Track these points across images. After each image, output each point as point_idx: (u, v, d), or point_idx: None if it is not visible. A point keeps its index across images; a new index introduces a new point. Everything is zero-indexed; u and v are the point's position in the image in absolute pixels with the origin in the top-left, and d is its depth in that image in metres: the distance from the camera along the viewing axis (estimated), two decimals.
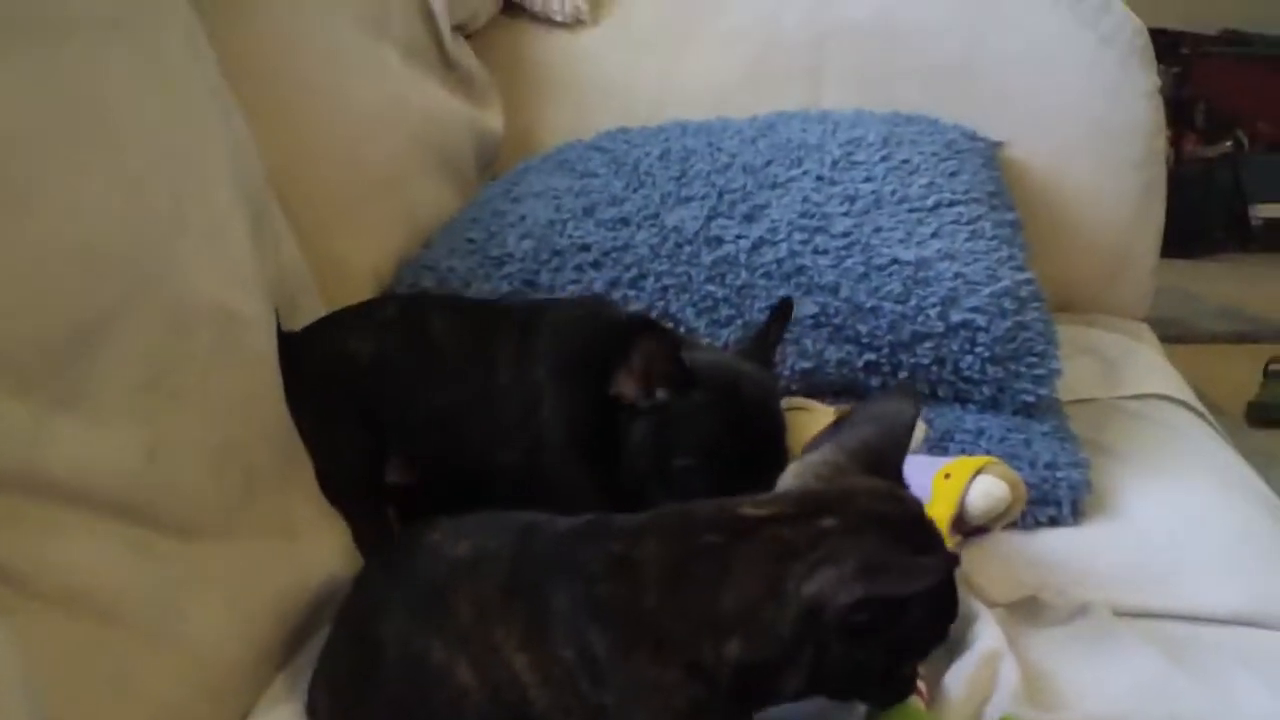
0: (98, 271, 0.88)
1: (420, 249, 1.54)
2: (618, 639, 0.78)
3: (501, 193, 1.57)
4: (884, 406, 0.89)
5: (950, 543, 1.05)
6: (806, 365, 1.33)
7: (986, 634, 0.96)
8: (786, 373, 1.33)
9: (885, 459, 0.85)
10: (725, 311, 1.34)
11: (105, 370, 0.87)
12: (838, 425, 0.89)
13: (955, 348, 1.29)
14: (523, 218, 1.47)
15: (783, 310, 1.18)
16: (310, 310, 1.30)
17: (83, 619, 0.82)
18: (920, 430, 1.16)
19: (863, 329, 1.31)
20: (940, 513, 1.04)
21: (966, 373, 1.29)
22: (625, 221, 1.42)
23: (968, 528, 1.07)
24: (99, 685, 0.81)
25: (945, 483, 1.05)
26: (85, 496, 0.84)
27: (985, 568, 1.11)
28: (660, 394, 1.05)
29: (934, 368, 1.30)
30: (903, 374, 1.31)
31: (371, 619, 0.89)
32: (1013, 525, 1.18)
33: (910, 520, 0.80)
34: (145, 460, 0.89)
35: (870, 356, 1.31)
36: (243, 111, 1.20)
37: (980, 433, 1.26)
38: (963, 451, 1.20)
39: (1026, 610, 1.06)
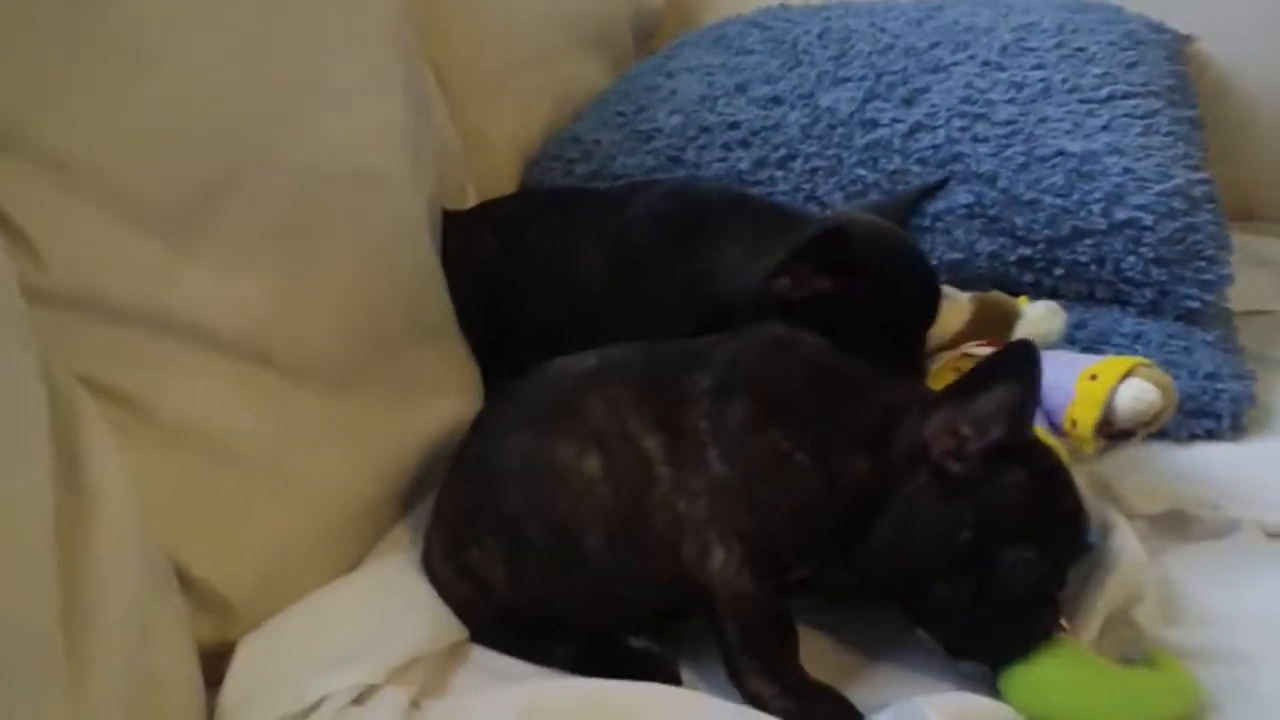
0: (221, 130, 0.88)
1: (569, 122, 1.52)
2: (758, 410, 0.82)
3: (655, 67, 1.54)
4: None
5: (1094, 446, 1.00)
6: (956, 256, 1.27)
7: (1130, 546, 0.92)
8: (934, 264, 1.27)
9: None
10: (875, 197, 1.29)
11: (233, 223, 0.88)
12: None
13: (1118, 247, 1.22)
14: (674, 93, 1.44)
15: (936, 187, 1.17)
16: (457, 178, 1.29)
17: (200, 451, 0.84)
18: (1058, 319, 1.11)
19: (1019, 222, 1.24)
20: (1084, 415, 0.99)
21: (1128, 274, 1.22)
22: (778, 100, 1.38)
23: (1113, 430, 1.01)
24: (214, 515, 0.84)
25: (1091, 384, 0.99)
26: (209, 335, 0.85)
27: (1132, 477, 1.07)
28: (820, 283, 0.98)
29: (1093, 267, 1.23)
30: (1059, 271, 1.25)
31: (492, 443, 0.91)
32: (1165, 435, 1.12)
33: None
34: (270, 310, 0.90)
35: (1025, 251, 1.25)
36: None
37: (1138, 337, 1.20)
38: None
39: (1170, 523, 1.02)
